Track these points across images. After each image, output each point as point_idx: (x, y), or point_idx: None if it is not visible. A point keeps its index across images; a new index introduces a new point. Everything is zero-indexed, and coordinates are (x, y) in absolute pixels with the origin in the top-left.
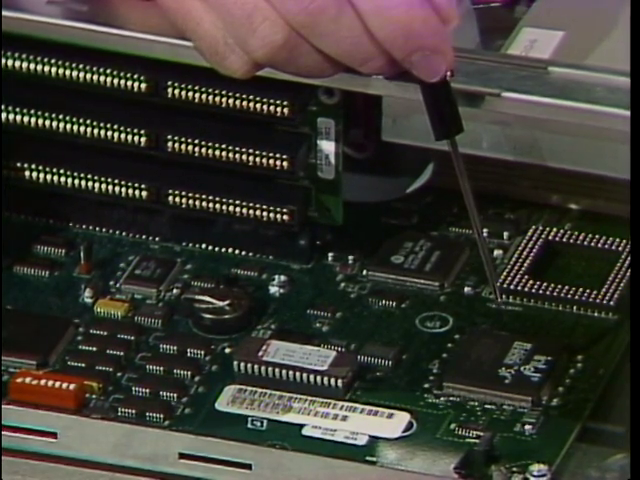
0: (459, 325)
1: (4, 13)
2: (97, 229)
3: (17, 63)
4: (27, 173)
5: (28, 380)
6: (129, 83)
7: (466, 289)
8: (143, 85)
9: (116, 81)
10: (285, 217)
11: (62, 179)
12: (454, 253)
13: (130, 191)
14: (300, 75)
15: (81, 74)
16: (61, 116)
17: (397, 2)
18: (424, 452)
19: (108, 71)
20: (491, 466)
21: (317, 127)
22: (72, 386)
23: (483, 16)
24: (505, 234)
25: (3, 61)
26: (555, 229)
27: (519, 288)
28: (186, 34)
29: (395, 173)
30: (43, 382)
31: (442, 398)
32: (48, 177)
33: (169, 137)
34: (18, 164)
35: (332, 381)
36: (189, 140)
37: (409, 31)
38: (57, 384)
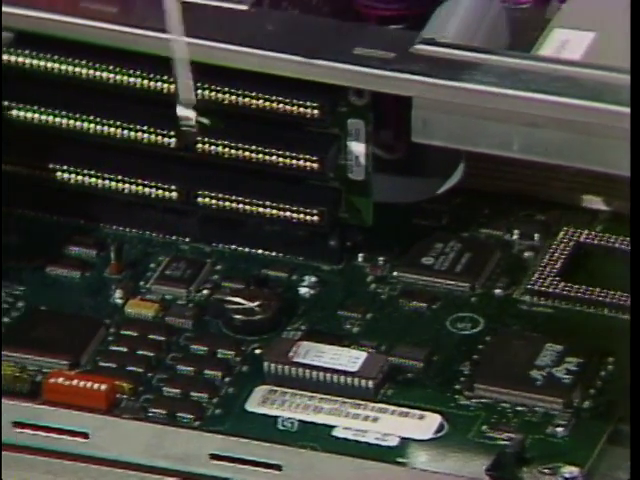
0: (490, 327)
1: (44, 15)
2: (128, 230)
3: (49, 65)
4: (59, 174)
5: (61, 380)
6: (159, 84)
7: (497, 291)
8: (173, 86)
9: (146, 82)
10: (315, 218)
11: (93, 180)
12: (485, 254)
13: (160, 192)
14: None
15: (112, 75)
16: (92, 117)
17: None
18: (455, 454)
19: (139, 73)
20: (522, 468)
21: (347, 128)
22: (103, 386)
23: (514, 16)
24: (536, 236)
25: (35, 62)
26: (586, 231)
27: (550, 290)
28: None
29: (425, 174)
30: (75, 382)
31: (473, 400)
32: (79, 178)
33: (199, 138)
34: (50, 165)
35: (363, 382)
36: (219, 141)
37: None
38: (88, 384)
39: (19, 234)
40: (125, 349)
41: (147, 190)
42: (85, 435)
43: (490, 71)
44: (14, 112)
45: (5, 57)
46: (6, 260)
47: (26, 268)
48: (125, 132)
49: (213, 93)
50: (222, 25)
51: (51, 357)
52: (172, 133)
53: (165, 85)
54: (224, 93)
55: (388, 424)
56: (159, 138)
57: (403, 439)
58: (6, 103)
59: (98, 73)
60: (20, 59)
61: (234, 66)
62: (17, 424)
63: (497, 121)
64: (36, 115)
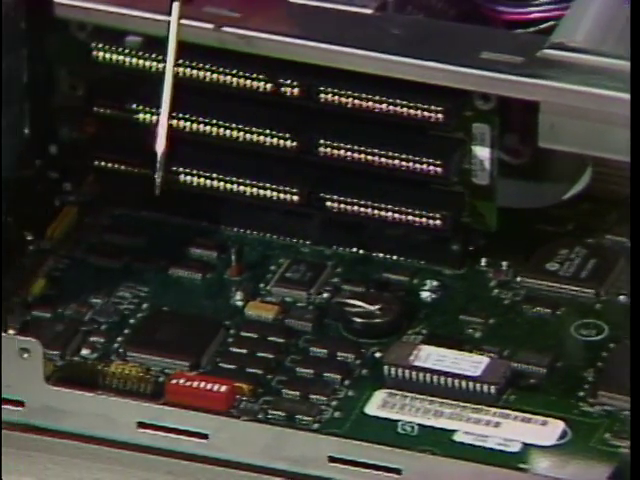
0: (614, 334)
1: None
2: (248, 232)
3: (174, 68)
4: (182, 177)
5: (182, 382)
6: (282, 88)
7: (622, 297)
8: (296, 90)
9: (269, 86)
10: (438, 222)
11: (215, 183)
12: (610, 261)
13: (282, 195)
14: None
15: (234, 79)
16: (215, 120)
17: None
18: (577, 461)
19: (262, 76)
20: None
21: (472, 132)
22: (223, 388)
23: None
24: None
25: (161, 66)
26: None
27: None
28: None
29: (551, 179)
30: (195, 384)
31: (597, 407)
32: (202, 181)
33: (321, 141)
34: (173, 168)
35: (485, 387)
36: (341, 144)
37: None
38: (209, 386)
39: (144, 236)
40: (245, 351)
41: (268, 192)
42: (205, 436)
43: (618, 76)
44: (140, 115)
45: (133, 61)
46: (132, 261)
47: (150, 269)
48: (248, 135)
49: (337, 97)
50: (347, 29)
51: (173, 358)
52: (294, 136)
53: (289, 89)
54: (348, 97)
55: (510, 430)
56: (282, 141)
57: (525, 445)
58: (133, 106)
59: (222, 77)
60: (147, 63)
61: (359, 70)
62: (141, 424)
63: (625, 127)
64: (154, 118)
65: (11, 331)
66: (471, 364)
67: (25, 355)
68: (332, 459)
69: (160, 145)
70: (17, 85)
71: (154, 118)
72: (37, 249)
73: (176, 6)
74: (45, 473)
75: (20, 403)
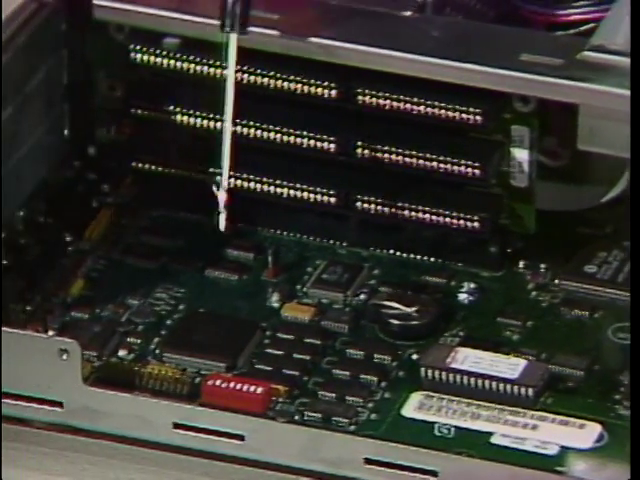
0: None
1: (208, 21)
2: (285, 233)
3: (212, 70)
4: (219, 179)
5: (218, 383)
6: (320, 90)
7: None
8: (334, 92)
9: (306, 88)
10: (476, 224)
11: (252, 184)
12: None
13: (319, 196)
14: None
15: (271, 80)
16: (251, 122)
17: None
18: (615, 464)
19: (298, 78)
20: None
21: (511, 135)
22: (259, 389)
23: None
24: None
25: (199, 68)
26: None
27: None
28: None
29: (590, 182)
30: (232, 385)
31: None
32: (239, 182)
33: (359, 143)
34: (211, 169)
35: (522, 390)
36: (379, 146)
37: None
38: (245, 387)
39: (181, 237)
40: (281, 352)
41: (306, 194)
42: (241, 437)
43: None
44: (177, 117)
45: (171, 62)
46: (169, 262)
47: (187, 271)
48: (285, 137)
49: (375, 99)
50: (386, 31)
51: (209, 359)
52: (332, 138)
53: (326, 91)
54: (386, 99)
55: (547, 432)
56: (319, 143)
57: (562, 448)
58: (171, 108)
59: (257, 78)
60: (185, 65)
61: (397, 72)
62: (177, 425)
63: None
64: (199, 120)
65: (50, 332)
66: (508, 367)
67: (64, 356)
68: (368, 461)
69: (224, 182)
70: (57, 87)
71: (192, 120)
72: (76, 250)
73: (233, 38)
74: (82, 474)
75: (59, 404)
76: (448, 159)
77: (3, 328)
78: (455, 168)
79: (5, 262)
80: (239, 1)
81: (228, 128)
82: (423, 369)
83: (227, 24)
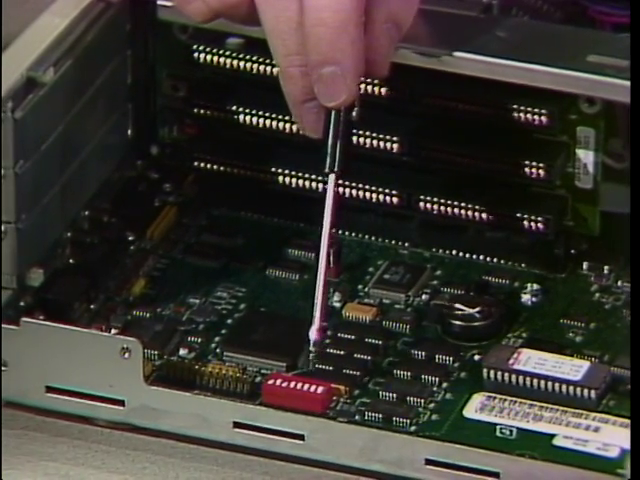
0: None
1: None
2: (347, 233)
3: (275, 70)
4: (280, 178)
5: (279, 382)
6: (384, 90)
7: None
8: (400, 92)
9: (369, 88)
10: (540, 225)
11: (314, 184)
12: None
13: (381, 196)
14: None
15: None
16: None
17: (338, 8)
18: None
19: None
20: None
21: (577, 136)
22: (320, 389)
23: None
24: None
25: (262, 68)
26: None
27: None
28: None
29: None
30: (292, 385)
31: None
32: (300, 182)
33: (423, 144)
34: (272, 169)
35: (585, 392)
36: (444, 147)
37: (337, 41)
38: (305, 387)
39: (242, 236)
40: (342, 352)
41: (368, 194)
42: (301, 437)
43: None
44: (241, 117)
45: (234, 62)
46: (229, 261)
47: (248, 270)
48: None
49: (440, 100)
50: (451, 32)
51: (269, 359)
52: (395, 138)
53: (389, 91)
54: (451, 100)
55: (609, 435)
56: (382, 143)
57: (624, 450)
58: (233, 107)
59: None
60: (248, 65)
61: (463, 73)
62: (237, 424)
63: None
64: (260, 120)
65: (113, 331)
66: (571, 368)
67: (126, 355)
68: (429, 462)
69: (315, 328)
70: (121, 87)
71: (254, 120)
72: (138, 249)
73: (332, 178)
74: (143, 472)
75: (120, 402)
76: (513, 160)
77: (68, 327)
78: (520, 169)
79: (71, 261)
80: (340, 142)
81: (323, 266)
82: (485, 370)
83: (328, 165)
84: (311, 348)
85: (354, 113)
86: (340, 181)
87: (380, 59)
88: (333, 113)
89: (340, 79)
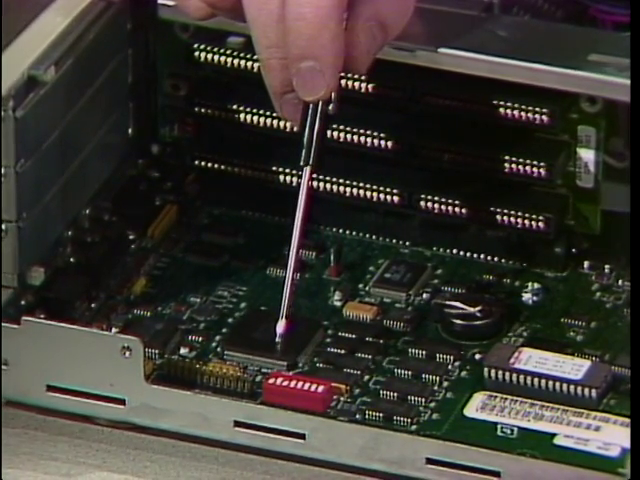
0: None
1: None
2: (347, 232)
3: None
4: (281, 177)
5: (279, 381)
6: (385, 90)
7: None
8: (399, 92)
9: (371, 87)
10: (541, 224)
11: (315, 183)
12: None
13: (382, 195)
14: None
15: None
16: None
17: (319, 4)
18: None
19: (362, 77)
20: None
21: (578, 135)
22: (320, 388)
23: None
24: None
25: (249, 64)
26: None
27: None
28: None
29: None
30: (293, 384)
31: None
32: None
33: (424, 143)
34: (273, 168)
35: (586, 391)
36: (444, 146)
37: (317, 36)
38: (306, 386)
39: (243, 235)
40: (343, 351)
41: (369, 193)
42: (302, 436)
43: None
44: (242, 116)
45: (235, 61)
46: (230, 260)
47: (249, 269)
48: (349, 136)
49: (440, 99)
50: (452, 31)
51: (270, 358)
52: (396, 138)
53: (391, 90)
54: (451, 99)
55: (610, 434)
56: (382, 142)
57: (625, 449)
58: (234, 106)
59: None
60: (249, 64)
61: (464, 72)
62: (237, 424)
63: None
64: (261, 119)
65: (114, 329)
66: (572, 367)
67: (127, 354)
68: (430, 461)
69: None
70: (122, 86)
71: (254, 119)
72: (139, 248)
73: (307, 171)
74: (144, 471)
75: (121, 401)
76: (514, 159)
77: (69, 325)
78: (521, 168)
79: (72, 260)
80: (318, 137)
81: (294, 250)
82: (486, 369)
83: (303, 159)
84: (277, 339)
85: (331, 107)
86: (343, 179)
87: (360, 56)
88: (311, 107)
89: (318, 74)
